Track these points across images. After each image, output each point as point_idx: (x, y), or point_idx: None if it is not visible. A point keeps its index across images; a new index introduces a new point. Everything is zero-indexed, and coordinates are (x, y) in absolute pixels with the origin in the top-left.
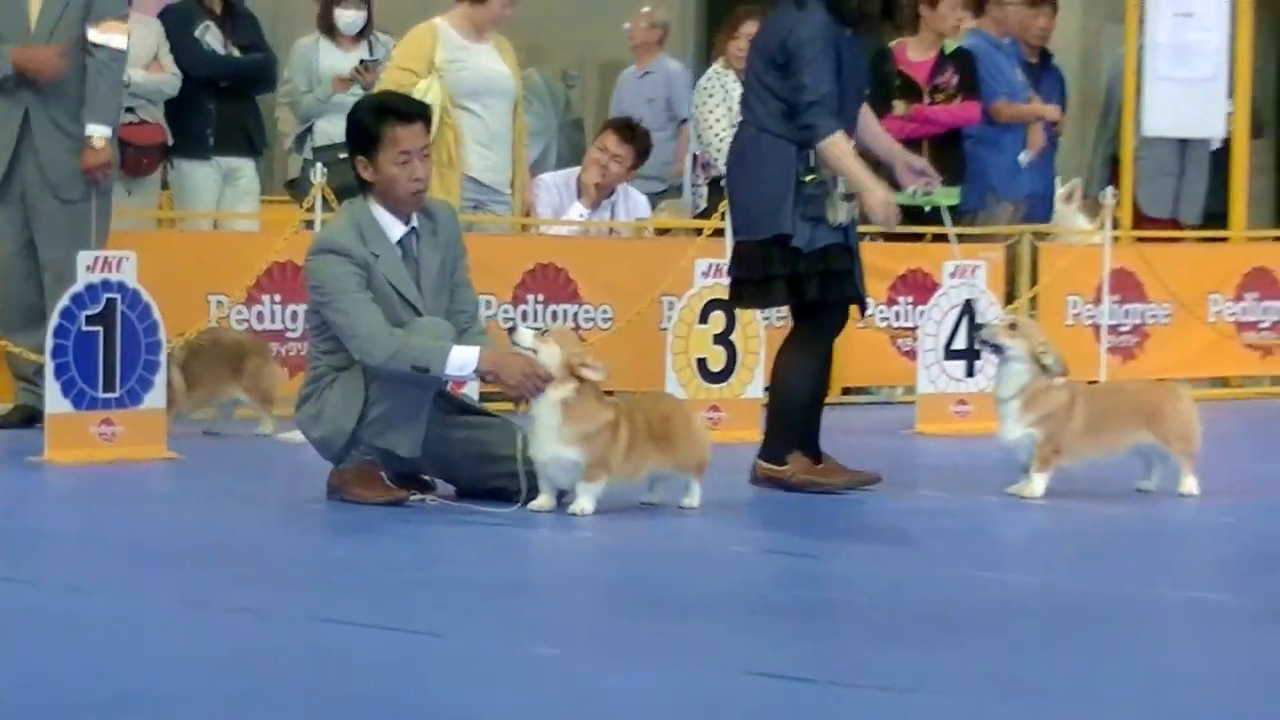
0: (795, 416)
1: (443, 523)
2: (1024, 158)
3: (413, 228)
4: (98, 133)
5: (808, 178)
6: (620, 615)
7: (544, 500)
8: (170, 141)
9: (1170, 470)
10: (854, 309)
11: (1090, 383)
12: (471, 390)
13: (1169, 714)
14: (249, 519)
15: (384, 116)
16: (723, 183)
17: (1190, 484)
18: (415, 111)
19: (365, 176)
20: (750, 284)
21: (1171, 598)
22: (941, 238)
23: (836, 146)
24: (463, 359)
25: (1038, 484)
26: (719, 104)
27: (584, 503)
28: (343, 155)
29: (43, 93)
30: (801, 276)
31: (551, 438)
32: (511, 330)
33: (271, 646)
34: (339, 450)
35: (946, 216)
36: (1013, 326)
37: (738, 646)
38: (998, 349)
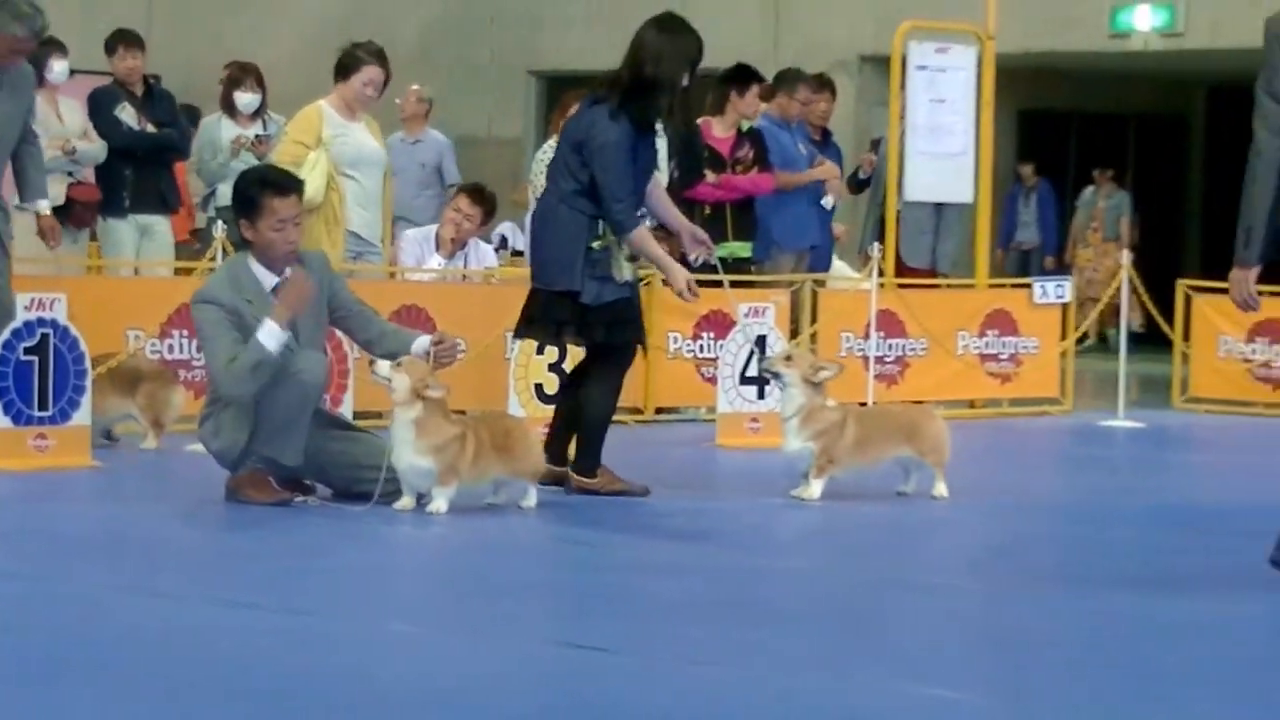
0: (600, 435)
1: (321, 519)
2: (826, 202)
3: (285, 277)
4: (46, 205)
5: (595, 244)
6: (466, 597)
7: (405, 501)
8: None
9: (925, 477)
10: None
11: (860, 404)
12: (346, 411)
13: (911, 674)
14: (159, 516)
15: (264, 188)
16: None
17: (941, 488)
18: (291, 185)
19: (247, 236)
20: (540, 324)
21: (922, 580)
22: (738, 284)
23: (641, 237)
24: (269, 331)
25: (815, 488)
26: None
27: (439, 503)
28: None
29: None
30: (590, 324)
31: (408, 450)
32: (372, 363)
33: (175, 623)
34: (234, 459)
35: (718, 265)
36: (788, 358)
37: (560, 622)
38: (776, 376)
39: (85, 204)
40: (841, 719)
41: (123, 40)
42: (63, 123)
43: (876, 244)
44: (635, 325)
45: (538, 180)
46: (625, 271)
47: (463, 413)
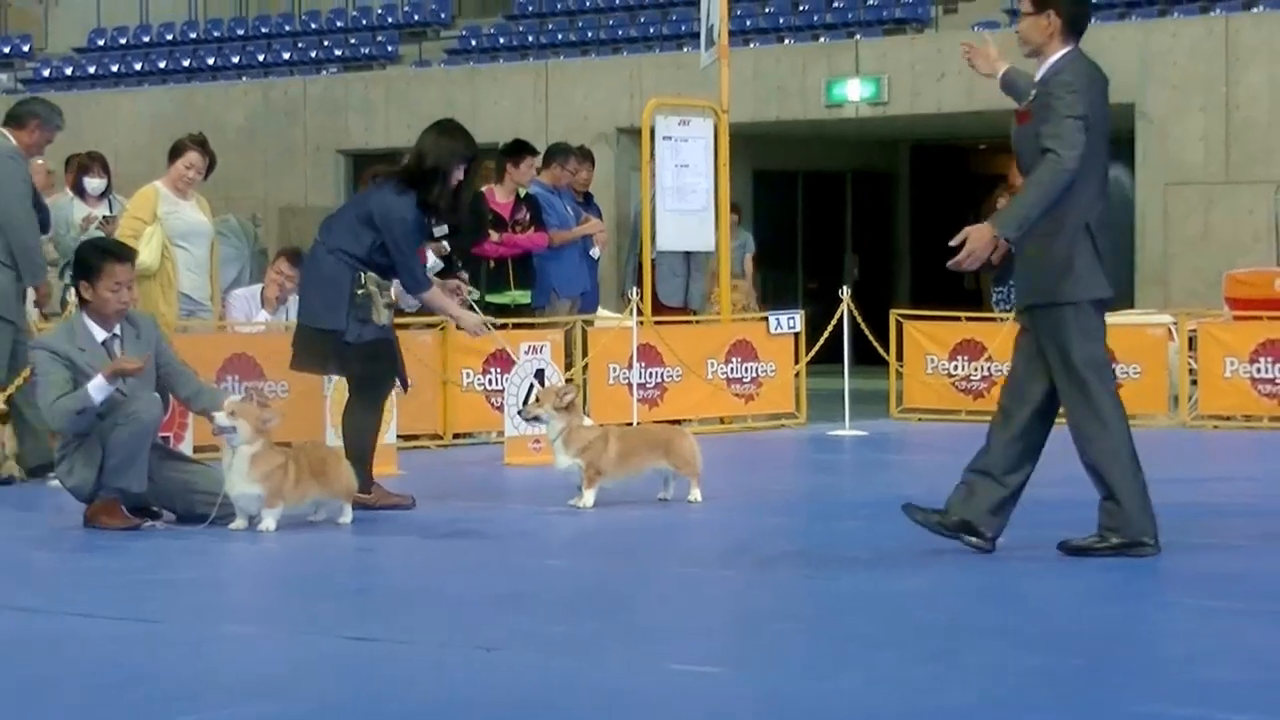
0: (366, 457)
1: (165, 540)
2: (595, 252)
3: (115, 333)
4: None
5: (359, 291)
6: (289, 600)
7: (239, 522)
8: None
9: (682, 484)
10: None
11: (625, 424)
12: (186, 447)
13: (666, 653)
14: (23, 542)
15: (105, 255)
16: None
17: (696, 494)
18: (127, 254)
19: (85, 296)
20: (307, 358)
21: (678, 573)
22: (520, 325)
23: (432, 295)
24: (98, 385)
25: (588, 498)
26: None
27: (268, 523)
28: None
29: None
30: (349, 359)
31: (241, 479)
32: (211, 419)
33: (32, 632)
34: (89, 492)
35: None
36: (536, 400)
37: (368, 618)
38: (537, 418)
39: None
40: (605, 695)
41: None
42: None
43: (635, 288)
44: (392, 361)
45: None
46: (383, 316)
47: (287, 444)
